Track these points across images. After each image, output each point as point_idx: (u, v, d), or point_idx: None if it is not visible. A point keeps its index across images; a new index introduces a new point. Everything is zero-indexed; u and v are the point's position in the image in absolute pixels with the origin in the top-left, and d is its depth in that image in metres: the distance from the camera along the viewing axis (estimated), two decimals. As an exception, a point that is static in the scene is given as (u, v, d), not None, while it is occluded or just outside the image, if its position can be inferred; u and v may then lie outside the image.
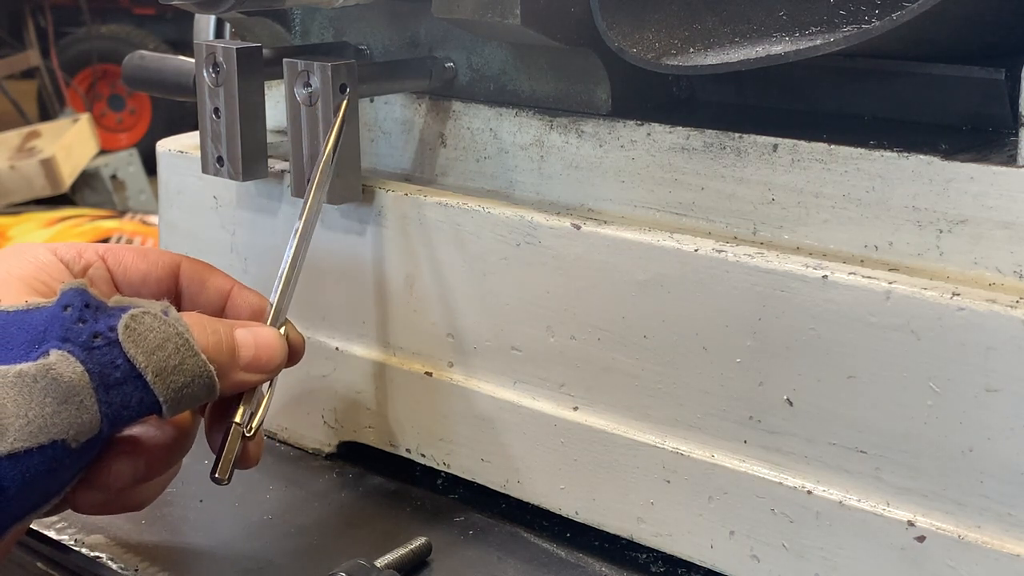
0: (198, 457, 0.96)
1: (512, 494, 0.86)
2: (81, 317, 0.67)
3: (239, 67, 0.87)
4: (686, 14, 0.82)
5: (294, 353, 0.79)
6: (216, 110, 0.89)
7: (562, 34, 0.79)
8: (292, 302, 0.95)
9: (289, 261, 0.80)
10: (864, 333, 0.69)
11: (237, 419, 0.75)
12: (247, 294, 0.80)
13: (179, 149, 1.03)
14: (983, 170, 0.69)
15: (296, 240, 0.80)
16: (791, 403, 0.73)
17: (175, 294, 0.79)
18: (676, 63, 0.78)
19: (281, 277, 0.79)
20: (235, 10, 0.81)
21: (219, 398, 0.73)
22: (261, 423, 0.76)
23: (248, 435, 0.75)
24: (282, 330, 0.78)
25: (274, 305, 0.78)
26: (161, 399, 0.68)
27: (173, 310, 0.70)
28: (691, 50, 0.80)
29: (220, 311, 0.79)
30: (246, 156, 0.89)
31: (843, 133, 0.75)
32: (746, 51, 0.78)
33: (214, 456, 0.75)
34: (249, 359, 0.74)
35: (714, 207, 0.78)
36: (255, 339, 0.75)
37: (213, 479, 0.74)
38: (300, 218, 0.81)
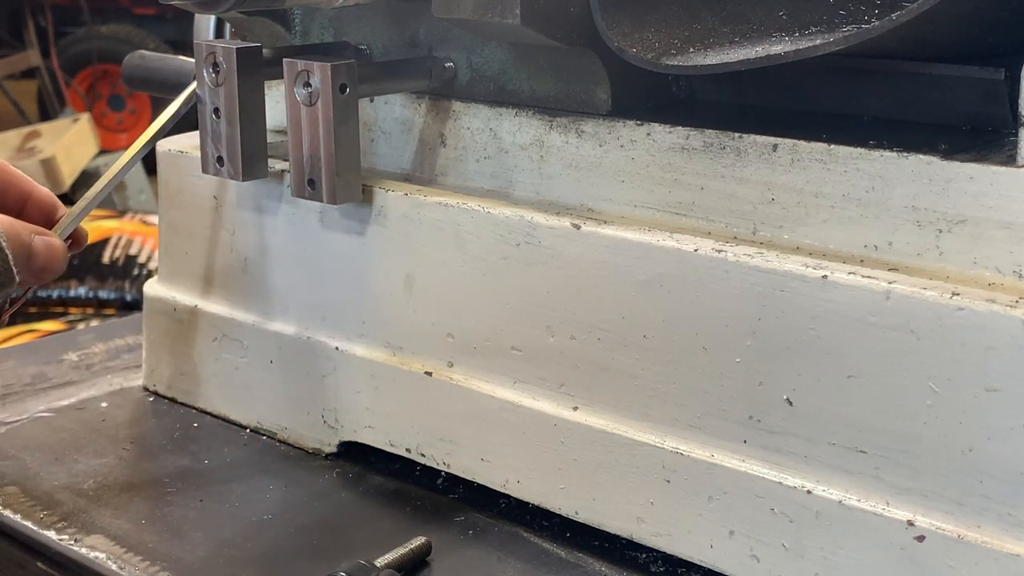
0: (198, 457, 0.96)
1: (512, 494, 0.86)
2: None
3: (239, 67, 0.87)
4: (686, 14, 0.82)
5: (78, 247, 0.86)
6: (216, 110, 0.89)
7: (562, 34, 0.79)
8: (292, 302, 0.95)
9: (106, 181, 0.87)
10: (864, 333, 0.69)
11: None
12: (42, 195, 0.86)
13: (179, 149, 1.03)
14: (983, 170, 0.69)
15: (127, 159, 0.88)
16: (791, 403, 0.73)
17: None
18: (676, 63, 0.78)
19: (96, 191, 0.86)
20: (235, 10, 0.81)
21: None
22: (7, 315, 0.84)
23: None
24: (69, 242, 0.84)
25: (73, 216, 0.85)
26: None
27: None
28: (691, 50, 0.80)
29: (20, 211, 0.84)
30: (246, 156, 0.89)
31: (843, 133, 0.75)
32: (746, 51, 0.78)
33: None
34: (38, 268, 0.80)
35: (714, 207, 0.78)
36: (48, 251, 0.81)
37: None
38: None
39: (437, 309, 0.87)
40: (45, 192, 0.87)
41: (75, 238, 0.86)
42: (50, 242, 0.81)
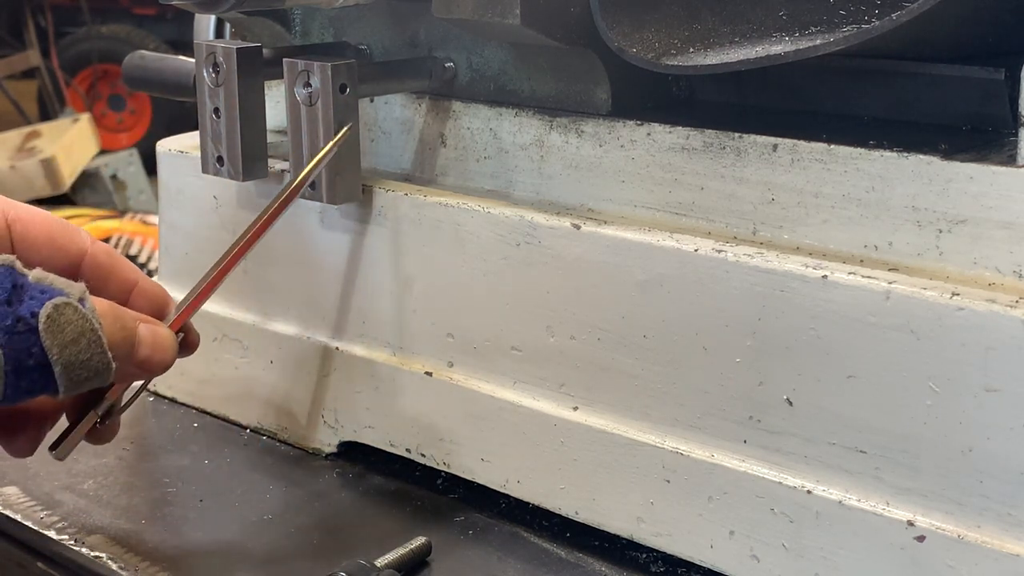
0: (197, 458, 0.96)
1: (512, 494, 0.86)
2: (8, 299, 0.68)
3: (239, 67, 0.87)
4: (686, 14, 0.82)
5: (190, 350, 0.81)
6: (216, 110, 0.89)
7: (562, 34, 0.79)
8: (292, 302, 0.94)
9: (218, 268, 0.81)
10: (864, 333, 0.69)
11: (99, 410, 0.77)
12: (150, 287, 0.81)
13: (179, 149, 1.03)
14: (983, 170, 0.69)
15: (234, 248, 0.81)
16: (791, 403, 0.73)
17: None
18: (676, 63, 0.78)
19: (204, 280, 0.80)
20: (235, 10, 0.81)
21: None
22: (118, 415, 0.78)
23: (99, 424, 0.77)
24: (180, 336, 0.79)
25: (179, 307, 0.80)
26: (62, 388, 0.69)
27: (89, 299, 0.71)
28: (691, 50, 0.80)
29: (123, 303, 0.78)
30: (246, 156, 0.89)
31: (843, 133, 0.75)
32: (746, 51, 0.78)
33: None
34: (143, 358, 0.74)
35: (714, 207, 0.78)
36: (153, 339, 0.75)
37: (50, 452, 0.76)
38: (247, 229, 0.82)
39: (437, 309, 0.87)
40: (153, 283, 0.81)
41: (186, 336, 0.80)
42: (157, 330, 0.75)
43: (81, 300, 0.70)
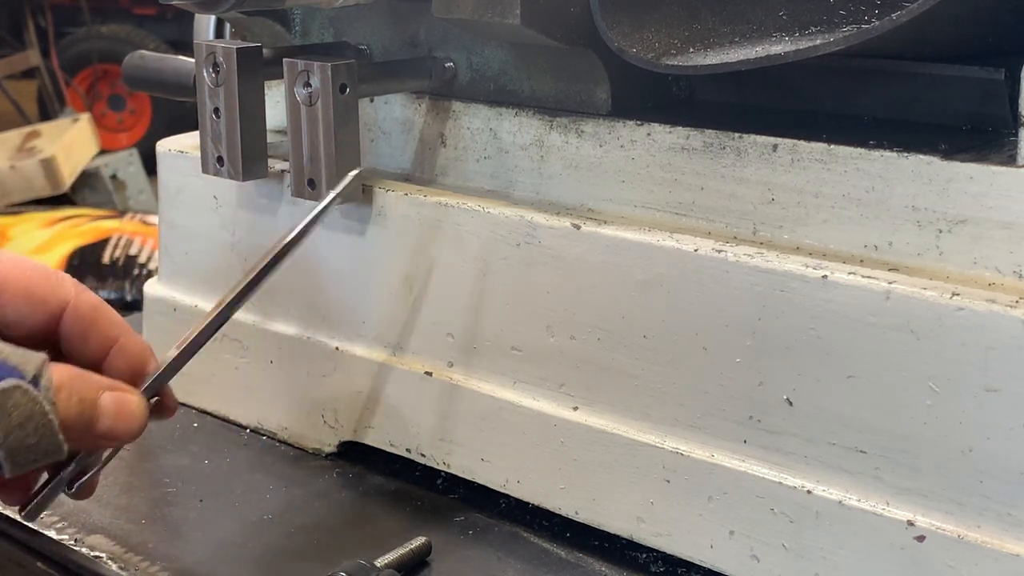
0: (198, 457, 0.96)
1: (512, 494, 0.86)
2: None
3: (239, 67, 0.87)
4: (686, 14, 0.82)
5: (165, 415, 0.78)
6: (216, 110, 0.89)
7: (562, 34, 0.79)
8: (292, 302, 0.94)
9: (200, 328, 0.77)
10: (864, 333, 0.69)
11: (65, 475, 0.74)
12: (131, 345, 0.76)
13: (179, 149, 1.03)
14: (983, 170, 0.69)
15: (218, 310, 0.78)
16: (791, 403, 0.73)
17: (54, 339, 0.75)
18: (676, 63, 0.78)
19: (185, 341, 0.77)
20: (235, 10, 0.81)
21: None
22: (93, 477, 0.75)
23: (68, 492, 0.75)
24: (155, 400, 0.76)
25: (155, 373, 0.76)
26: (7, 470, 0.67)
27: (47, 372, 0.68)
28: (691, 50, 0.80)
29: (101, 360, 0.76)
30: (246, 156, 0.89)
31: (843, 133, 0.75)
32: (746, 51, 0.78)
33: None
34: (105, 429, 0.71)
35: (714, 207, 0.78)
36: (117, 409, 0.72)
37: (20, 514, 0.75)
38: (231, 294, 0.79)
39: (437, 309, 0.87)
40: (136, 341, 0.76)
41: (162, 400, 0.76)
42: (123, 399, 0.72)
43: (36, 378, 0.67)
